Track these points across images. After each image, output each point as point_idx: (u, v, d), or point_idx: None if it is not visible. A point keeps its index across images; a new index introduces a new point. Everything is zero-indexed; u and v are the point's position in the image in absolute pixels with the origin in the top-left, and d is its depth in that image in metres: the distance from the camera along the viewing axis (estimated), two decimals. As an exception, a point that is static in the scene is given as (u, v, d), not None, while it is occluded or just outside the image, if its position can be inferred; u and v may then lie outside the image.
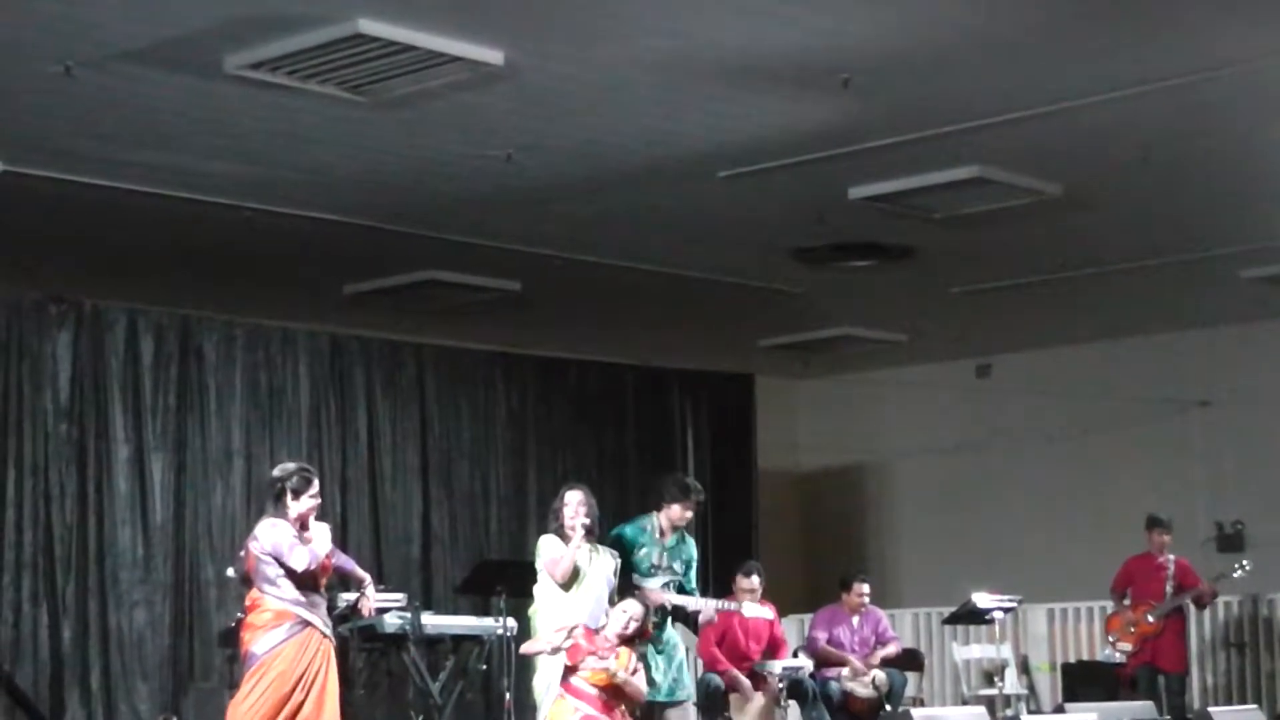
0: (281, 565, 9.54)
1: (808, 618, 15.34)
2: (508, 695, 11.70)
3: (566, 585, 10.75)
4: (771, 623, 13.61)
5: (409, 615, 12.83)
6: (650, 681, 11.00)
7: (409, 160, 11.79)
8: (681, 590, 11.58)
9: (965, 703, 15.28)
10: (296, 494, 9.70)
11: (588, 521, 10.85)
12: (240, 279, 14.62)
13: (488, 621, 13.13)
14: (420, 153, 11.62)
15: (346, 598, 12.84)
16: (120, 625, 13.38)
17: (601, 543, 11.02)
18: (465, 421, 15.90)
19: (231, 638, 11.14)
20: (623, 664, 10.23)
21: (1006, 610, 13.91)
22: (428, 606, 13.88)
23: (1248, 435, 17.27)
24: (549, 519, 11.09)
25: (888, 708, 13.76)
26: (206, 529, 14.07)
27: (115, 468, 13.54)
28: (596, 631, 10.36)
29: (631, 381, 17.33)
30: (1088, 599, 16.51)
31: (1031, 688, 16.95)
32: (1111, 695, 14.40)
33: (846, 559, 17.99)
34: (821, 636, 14.25)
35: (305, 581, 9.61)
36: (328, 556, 9.80)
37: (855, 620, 14.35)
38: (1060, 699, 16.01)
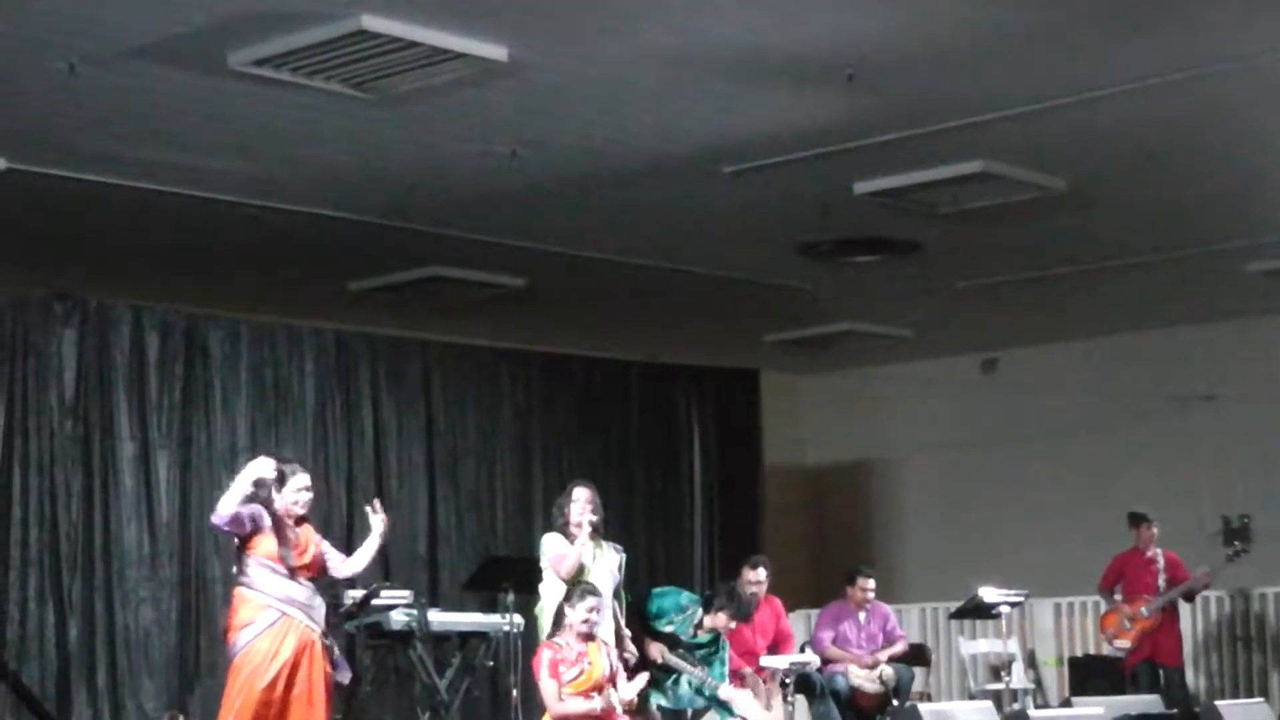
0: (244, 547, 9.50)
1: (814, 613, 15.35)
2: (514, 692, 11.70)
3: (573, 582, 10.78)
4: (777, 617, 13.64)
5: (415, 612, 12.84)
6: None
7: (413, 157, 11.79)
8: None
9: (972, 697, 15.29)
10: (279, 486, 9.68)
11: (594, 519, 10.90)
12: (245, 276, 14.63)
13: (494, 618, 13.15)
14: (424, 149, 11.62)
15: (353, 595, 12.87)
16: (126, 623, 13.37)
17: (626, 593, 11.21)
18: (471, 418, 15.89)
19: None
20: (597, 667, 10.11)
21: (1013, 605, 13.91)
22: (434, 603, 13.89)
23: (1253, 429, 17.26)
24: (553, 515, 11.11)
25: (895, 703, 13.77)
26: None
27: (121, 465, 13.53)
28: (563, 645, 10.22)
29: (637, 377, 17.32)
30: (1094, 593, 16.46)
31: (1038, 682, 16.95)
32: (1118, 689, 14.40)
33: (852, 554, 17.99)
34: (827, 636, 14.24)
35: (284, 572, 9.56)
36: (315, 548, 9.71)
37: (861, 616, 14.35)
38: (1067, 693, 16.01)
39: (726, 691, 12.04)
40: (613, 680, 10.18)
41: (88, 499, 13.34)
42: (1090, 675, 15.79)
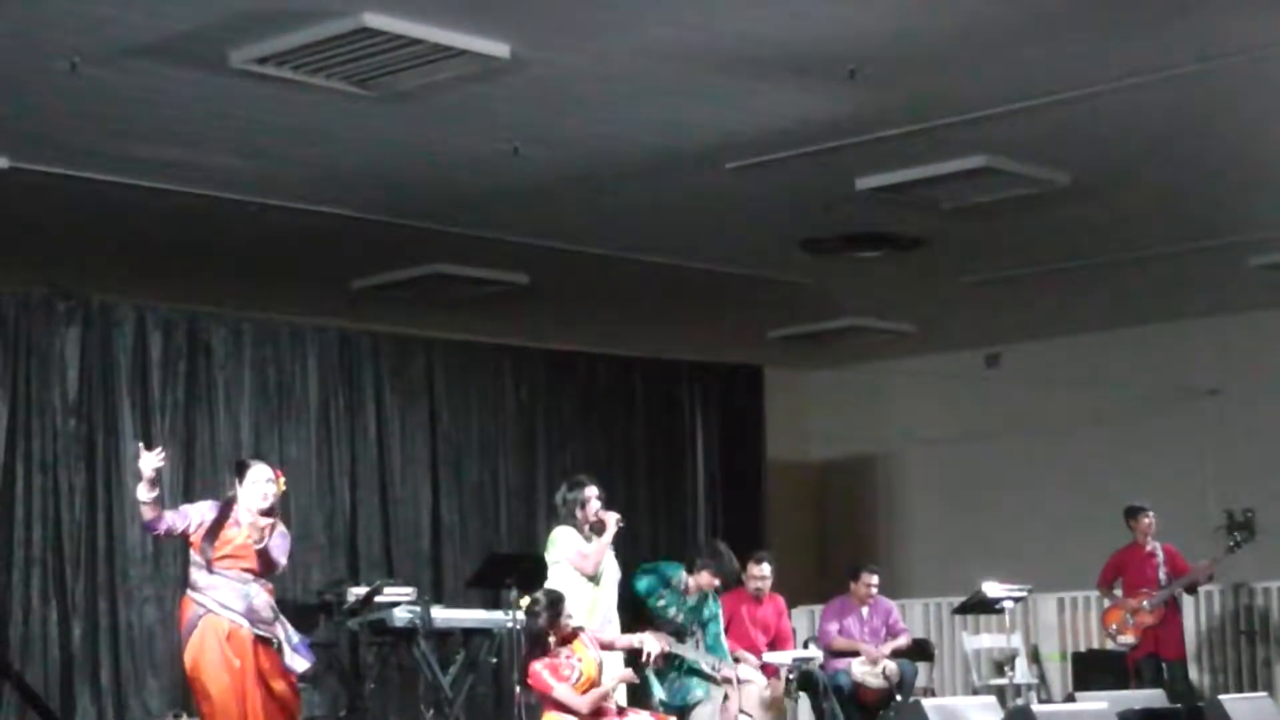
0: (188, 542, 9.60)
1: (818, 609, 15.35)
2: (519, 688, 11.68)
3: (596, 579, 10.82)
4: (780, 615, 13.64)
5: (419, 609, 12.84)
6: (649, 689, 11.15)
7: (416, 154, 11.78)
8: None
9: (976, 692, 15.29)
10: (238, 482, 9.67)
11: (619, 516, 11.02)
12: (248, 274, 14.63)
13: (498, 615, 13.16)
14: (427, 146, 11.62)
15: (356, 592, 12.87)
16: (130, 622, 13.37)
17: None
18: (474, 415, 15.89)
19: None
20: (589, 661, 10.05)
21: (1016, 600, 13.91)
22: (438, 600, 13.90)
23: (1257, 423, 17.26)
24: (562, 512, 11.11)
25: (898, 698, 13.77)
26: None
27: (124, 464, 13.51)
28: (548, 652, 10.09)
29: (640, 374, 17.32)
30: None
31: (1042, 677, 16.96)
32: (1121, 684, 14.40)
33: (856, 550, 18.00)
34: (833, 629, 14.25)
35: (202, 564, 9.56)
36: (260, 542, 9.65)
37: (864, 611, 14.36)
38: (1071, 688, 16.02)
39: (729, 671, 12.02)
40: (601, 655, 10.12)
41: (91, 498, 13.33)
42: (1094, 670, 15.79)
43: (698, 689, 11.89)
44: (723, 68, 10.22)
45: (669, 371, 17.61)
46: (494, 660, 13.44)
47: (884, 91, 10.70)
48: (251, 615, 9.60)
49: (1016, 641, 15.55)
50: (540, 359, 16.56)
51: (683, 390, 17.67)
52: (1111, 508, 15.62)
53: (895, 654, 14.17)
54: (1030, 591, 14.31)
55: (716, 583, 12.02)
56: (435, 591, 14.51)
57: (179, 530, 9.65)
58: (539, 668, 9.83)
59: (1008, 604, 13.76)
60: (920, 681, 14.82)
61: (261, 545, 9.60)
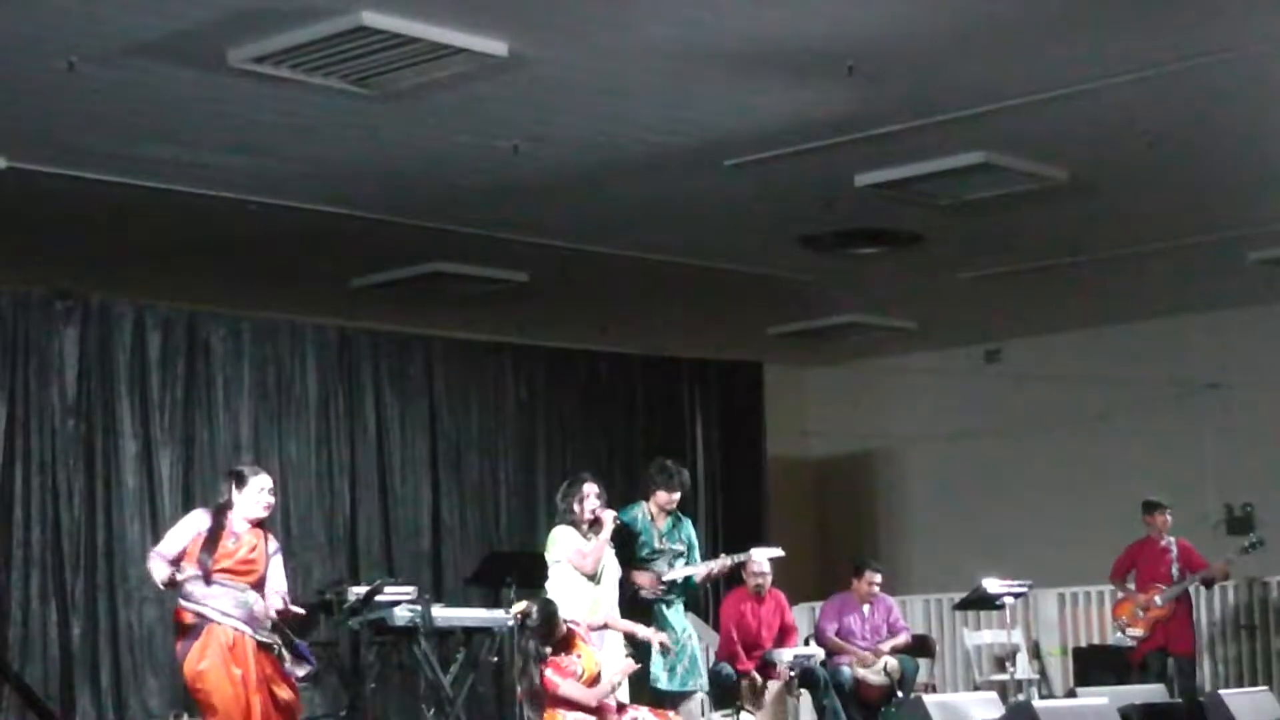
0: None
1: (818, 605, 15.35)
2: (519, 687, 11.66)
3: (596, 578, 10.80)
4: (782, 611, 13.64)
5: (419, 608, 12.81)
6: (650, 675, 11.08)
7: (415, 152, 11.78)
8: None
9: (977, 688, 15.29)
10: (238, 489, 9.64)
11: (615, 514, 10.99)
12: (247, 273, 14.62)
13: (498, 613, 13.12)
14: (426, 145, 11.61)
15: (357, 591, 12.85)
16: (130, 621, 13.36)
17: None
18: (474, 413, 15.88)
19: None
20: (588, 658, 10.03)
21: (1017, 595, 13.91)
22: (438, 599, 13.86)
23: (1257, 418, 17.25)
24: (561, 510, 11.10)
25: (899, 694, 13.77)
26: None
27: (123, 463, 13.52)
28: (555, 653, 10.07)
29: (640, 371, 17.31)
30: (1098, 583, 16.49)
31: (1043, 672, 16.96)
32: (1122, 679, 14.39)
33: (856, 546, 17.99)
34: (830, 628, 14.25)
35: (206, 575, 9.50)
36: (259, 555, 9.63)
37: (865, 608, 14.35)
38: (1072, 683, 16.01)
39: (725, 561, 12.13)
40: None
41: (90, 497, 13.33)
42: (1095, 665, 15.78)
43: (702, 676, 11.86)
44: (721, 65, 10.22)
45: (669, 369, 17.61)
46: (494, 659, 13.42)
47: (882, 88, 10.69)
48: (252, 623, 9.58)
49: (1017, 637, 15.57)
50: (540, 357, 16.56)
51: (682, 388, 17.68)
52: (1111, 503, 15.62)
53: (896, 650, 14.18)
54: (1031, 587, 14.30)
55: (675, 497, 11.82)
56: (435, 590, 14.49)
57: (176, 562, 9.61)
58: (546, 672, 9.83)
59: (1008, 600, 13.76)
60: (921, 677, 14.82)
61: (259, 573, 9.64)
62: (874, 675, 13.97)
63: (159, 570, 9.60)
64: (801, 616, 15.90)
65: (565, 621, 9.86)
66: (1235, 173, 12.85)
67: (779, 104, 10.93)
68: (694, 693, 11.71)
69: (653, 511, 11.75)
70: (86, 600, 13.21)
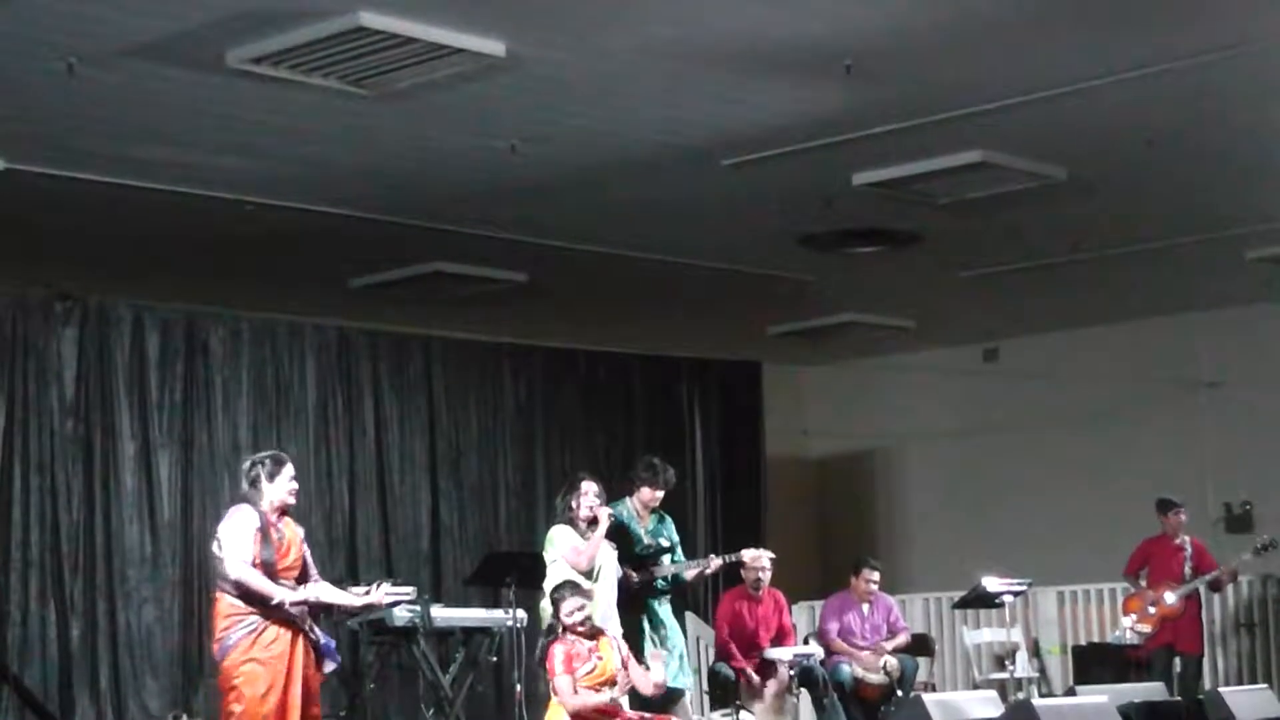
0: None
1: (818, 604, 15.34)
2: (519, 687, 11.68)
3: (592, 575, 10.81)
4: (781, 611, 13.64)
5: (419, 608, 12.82)
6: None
7: (413, 153, 11.78)
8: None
9: (976, 687, 15.30)
10: (271, 477, 9.49)
11: (612, 512, 10.99)
12: (245, 273, 14.61)
13: (498, 613, 13.15)
14: (424, 145, 11.61)
15: (357, 590, 12.84)
16: (129, 623, 13.36)
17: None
18: (473, 413, 15.89)
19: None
20: (609, 660, 10.04)
21: (1016, 594, 13.88)
22: (437, 599, 13.88)
23: (1256, 416, 17.25)
24: (559, 509, 11.11)
25: (899, 693, 13.77)
26: (214, 525, 13.98)
27: (122, 465, 13.53)
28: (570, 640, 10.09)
29: (639, 371, 17.32)
30: (1097, 581, 16.51)
31: (1042, 671, 16.95)
32: (1122, 677, 14.38)
33: (855, 545, 17.99)
34: (833, 628, 14.24)
35: (274, 576, 9.26)
36: (299, 549, 9.47)
37: (865, 607, 14.35)
38: (1071, 681, 16.01)
39: (716, 562, 12.20)
40: (625, 666, 10.10)
41: (89, 499, 13.34)
42: (1094, 663, 15.76)
43: (688, 676, 11.88)
44: (719, 64, 10.22)
45: (668, 368, 17.61)
46: (494, 659, 13.43)
47: (880, 87, 10.69)
48: (303, 620, 9.45)
49: (1017, 635, 15.56)
50: (539, 357, 16.57)
51: (681, 387, 17.68)
52: (1110, 501, 15.63)
53: (896, 650, 14.18)
54: (1030, 585, 14.29)
55: (659, 495, 11.84)
56: (435, 590, 14.51)
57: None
58: (556, 649, 9.94)
59: (1007, 598, 13.74)
60: (921, 676, 14.83)
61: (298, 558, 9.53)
62: (874, 674, 13.97)
63: (274, 589, 9.21)
64: (801, 616, 15.90)
65: (577, 614, 9.94)
66: (1233, 171, 12.85)
67: (777, 103, 10.93)
68: (683, 691, 11.73)
69: (637, 508, 11.79)
70: (85, 601, 13.21)
